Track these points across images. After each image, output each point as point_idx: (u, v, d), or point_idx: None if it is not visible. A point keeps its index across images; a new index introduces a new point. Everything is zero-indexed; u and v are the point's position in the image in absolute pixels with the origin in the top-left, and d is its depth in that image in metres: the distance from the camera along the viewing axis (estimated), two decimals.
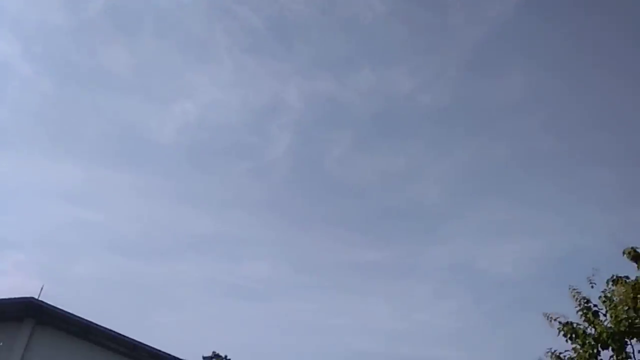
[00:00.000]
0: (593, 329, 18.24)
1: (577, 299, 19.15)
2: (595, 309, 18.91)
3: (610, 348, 17.94)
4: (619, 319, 17.52)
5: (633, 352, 17.87)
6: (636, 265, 19.85)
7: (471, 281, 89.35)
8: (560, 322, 19.23)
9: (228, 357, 38.82)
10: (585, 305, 18.99)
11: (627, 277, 19.59)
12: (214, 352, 38.46)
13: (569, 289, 19.51)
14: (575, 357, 18.48)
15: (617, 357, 18.06)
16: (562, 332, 19.21)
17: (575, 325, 18.99)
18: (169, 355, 15.44)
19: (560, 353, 19.04)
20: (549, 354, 19.32)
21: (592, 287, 19.30)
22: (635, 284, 18.72)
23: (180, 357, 15.66)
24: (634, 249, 20.22)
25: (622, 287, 18.58)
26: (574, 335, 18.78)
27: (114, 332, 15.47)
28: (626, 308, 17.81)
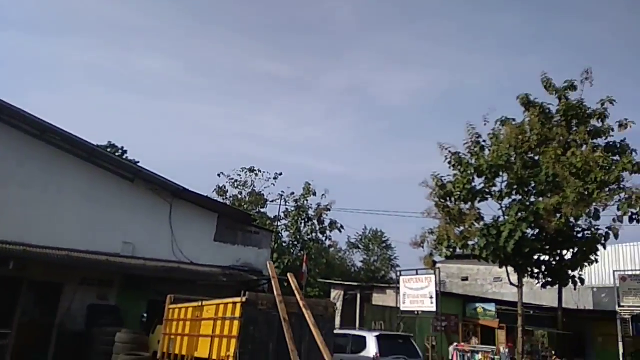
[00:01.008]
0: (475, 160, 20.58)
1: (470, 133, 21.16)
2: (483, 144, 21.19)
3: (484, 177, 20.68)
4: (500, 155, 19.89)
5: (501, 186, 20.96)
6: (525, 110, 22.25)
7: (363, 105, 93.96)
8: (450, 152, 21.44)
9: (125, 149, 37.07)
10: (476, 139, 21.12)
11: (514, 120, 22.03)
12: (109, 142, 36.24)
13: (466, 124, 21.38)
14: (454, 181, 21.04)
15: (486, 185, 21.05)
16: (448, 160, 21.61)
17: (461, 154, 21.29)
18: (82, 139, 14.07)
19: (442, 177, 21.60)
20: (433, 176, 21.80)
21: (485, 124, 21.38)
22: (520, 126, 21.15)
23: (89, 141, 14.39)
24: (526, 96, 22.46)
25: (509, 128, 20.83)
26: (458, 164, 21.17)
27: (24, 111, 13.35)
28: (508, 146, 20.17)
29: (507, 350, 18.09)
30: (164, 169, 37.92)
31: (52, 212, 13.95)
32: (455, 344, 18.86)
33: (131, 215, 15.21)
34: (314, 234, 36.34)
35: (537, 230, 20.22)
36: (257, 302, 8.91)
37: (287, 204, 36.70)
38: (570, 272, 21.37)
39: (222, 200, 32.89)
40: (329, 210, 35.75)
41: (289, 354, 8.86)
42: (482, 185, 21.16)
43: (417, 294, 12.44)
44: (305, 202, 36.34)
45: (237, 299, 9.06)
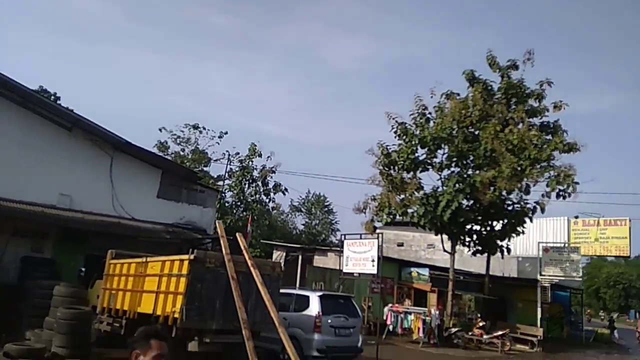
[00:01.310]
0: (420, 131, 21.19)
1: (417, 104, 21.68)
2: (428, 116, 21.79)
3: (427, 148, 21.39)
4: (444, 127, 20.60)
5: (442, 158, 21.77)
6: (469, 85, 22.98)
7: (310, 67, 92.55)
8: (397, 121, 21.92)
9: (58, 95, 34.65)
10: (422, 111, 21.68)
11: (459, 94, 22.75)
12: (41, 87, 33.67)
13: (414, 95, 21.87)
14: (398, 150, 21.63)
15: (428, 156, 21.81)
16: (394, 129, 22.11)
17: (407, 125, 21.84)
18: (16, 82, 12.95)
19: (387, 145, 22.11)
20: (379, 145, 22.27)
21: (432, 97, 21.96)
22: (463, 101, 21.90)
23: (24, 85, 13.32)
24: (472, 72, 23.16)
25: (453, 103, 21.52)
26: (403, 134, 21.72)
27: None
28: (451, 120, 20.90)
29: (437, 312, 19.29)
30: (100, 120, 36.13)
31: None
32: (390, 305, 19.87)
33: (69, 166, 14.48)
34: (257, 196, 36.35)
35: (472, 202, 21.38)
36: (204, 260, 8.90)
37: (232, 164, 36.26)
38: (498, 241, 22.86)
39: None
40: (274, 172, 35.76)
41: (235, 311, 8.99)
42: (424, 156, 21.95)
43: (359, 257, 12.87)
44: (250, 163, 36.08)
45: (185, 256, 9.01)
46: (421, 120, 21.69)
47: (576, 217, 30.76)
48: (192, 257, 8.77)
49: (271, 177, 36.21)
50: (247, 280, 9.19)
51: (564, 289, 28.62)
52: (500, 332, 19.82)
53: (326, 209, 48.54)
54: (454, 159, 21.82)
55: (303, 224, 48.01)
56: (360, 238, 13.17)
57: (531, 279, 24.02)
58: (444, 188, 21.35)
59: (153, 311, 9.26)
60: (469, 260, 25.65)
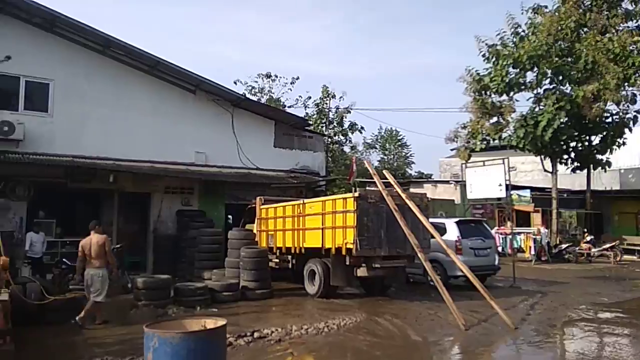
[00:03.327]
0: (515, 51, 20.71)
1: (509, 23, 21.14)
2: (522, 34, 21.23)
3: (520, 68, 20.98)
4: (540, 44, 20.04)
5: (535, 76, 21.31)
6: None
7: None
8: (487, 44, 21.54)
9: None
10: (515, 29, 21.13)
11: (546, 7, 21.90)
12: None
13: (507, 14, 21.25)
14: (491, 74, 21.37)
15: (518, 76, 21.39)
16: (483, 53, 21.77)
17: (497, 46, 21.42)
18: (144, 50, 14.05)
19: (477, 70, 21.91)
20: (468, 71, 22.10)
21: (522, 13, 21.31)
22: (552, 15, 21.00)
23: (151, 53, 14.37)
24: None
25: (547, 17, 20.76)
26: (494, 56, 21.36)
27: (84, 24, 13.27)
28: (546, 35, 20.24)
29: (546, 231, 19.72)
30: None
31: (125, 127, 14.43)
32: (495, 227, 20.46)
33: (197, 126, 15.73)
34: (336, 137, 37.13)
35: (568, 119, 20.99)
36: (367, 196, 9.85)
37: (307, 108, 36.97)
38: (598, 156, 22.54)
39: None
40: (349, 112, 36.21)
41: (396, 239, 10.02)
42: (515, 76, 21.54)
43: (485, 182, 13.44)
44: (325, 105, 36.64)
45: (348, 195, 9.98)
46: (515, 39, 21.21)
47: None
48: (357, 194, 9.71)
49: (346, 117, 36.74)
50: (402, 211, 10.08)
51: None
52: (609, 245, 20.08)
53: (399, 143, 48.78)
54: (549, 76, 21.39)
55: (378, 160, 48.73)
56: (484, 165, 13.66)
57: (636, 189, 23.68)
58: (542, 107, 21.12)
59: (322, 244, 10.43)
60: (560, 178, 25.54)
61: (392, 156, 48.22)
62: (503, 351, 7.14)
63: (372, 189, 10.31)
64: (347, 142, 38.66)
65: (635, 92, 20.27)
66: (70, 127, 13.55)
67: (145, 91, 15.10)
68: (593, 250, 20.14)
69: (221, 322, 3.97)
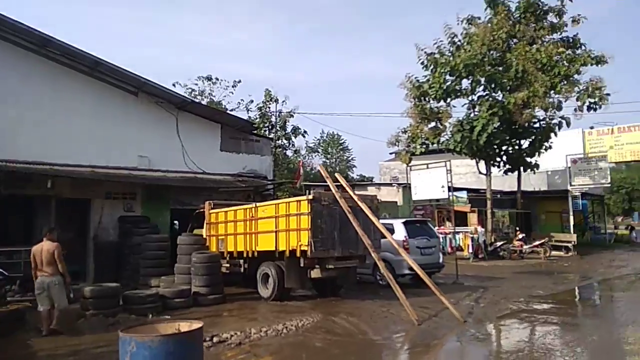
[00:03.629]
0: (451, 59, 21.71)
1: (446, 33, 22.15)
2: (458, 43, 22.30)
3: (456, 76, 22.02)
4: (475, 53, 21.16)
5: (469, 84, 22.44)
6: (488, 7, 23.26)
7: (287, 2, 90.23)
8: (426, 52, 22.43)
9: None
10: (452, 39, 22.17)
11: (479, 18, 23.14)
12: None
13: (444, 25, 22.24)
14: (430, 81, 22.26)
15: (455, 84, 22.43)
16: (422, 61, 22.65)
17: (435, 55, 22.36)
18: (82, 50, 13.33)
19: (416, 77, 22.77)
20: (407, 78, 22.92)
21: (458, 24, 22.40)
22: (485, 26, 22.24)
23: (90, 53, 13.70)
24: None
25: (482, 27, 21.95)
26: (432, 64, 22.29)
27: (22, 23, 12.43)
28: (481, 44, 21.40)
29: (483, 230, 20.80)
30: None
31: (64, 130, 13.72)
32: (436, 228, 21.32)
33: (140, 129, 15.23)
34: (279, 141, 37.13)
35: (503, 124, 22.27)
36: (320, 199, 10.00)
37: (250, 112, 36.75)
38: (528, 159, 24.06)
39: None
40: (292, 116, 36.38)
41: (348, 240, 10.25)
42: (452, 84, 22.58)
43: (428, 185, 14.01)
44: (268, 109, 36.57)
45: (302, 197, 10.10)
46: (451, 48, 22.25)
47: (591, 128, 31.99)
48: (310, 197, 9.84)
49: (289, 121, 36.87)
50: (354, 213, 10.32)
51: (581, 198, 30.36)
52: (539, 242, 21.49)
53: (341, 147, 49.52)
54: (482, 84, 22.60)
55: (319, 164, 49.11)
56: (427, 167, 14.23)
57: (561, 189, 25.47)
58: (476, 113, 22.26)
59: (275, 247, 10.46)
60: (494, 180, 27.06)
61: (334, 159, 48.89)
62: (455, 343, 7.51)
63: (325, 191, 10.45)
64: (290, 146, 38.83)
65: (561, 99, 21.80)
66: (3, 130, 12.71)
67: (85, 93, 14.46)
68: (525, 247, 21.46)
69: (197, 324, 3.94)
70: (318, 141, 48.62)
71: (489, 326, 8.25)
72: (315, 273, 10.22)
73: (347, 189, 10.80)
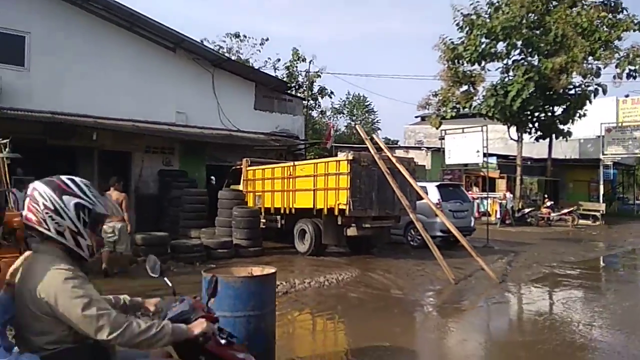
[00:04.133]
0: (489, 21, 21.18)
1: None
2: (496, 4, 21.69)
3: (492, 38, 21.52)
4: (514, 15, 20.56)
5: (504, 47, 21.91)
6: None
7: None
8: (462, 14, 21.89)
9: None
10: (490, 0, 21.55)
11: None
12: None
13: None
14: (465, 43, 21.81)
15: (489, 47, 21.92)
16: (457, 22, 22.13)
17: (472, 17, 21.81)
18: (122, 4, 13.45)
19: (451, 39, 22.32)
20: (441, 40, 22.48)
21: None
22: None
23: (129, 7, 13.81)
24: None
25: None
26: (468, 26, 21.78)
27: None
28: (519, 7, 20.77)
29: (511, 196, 20.80)
30: None
31: (106, 85, 14.04)
32: None
33: (178, 86, 15.46)
34: (305, 102, 37.04)
35: (535, 89, 21.83)
36: (360, 160, 10.17)
37: (277, 70, 36.56)
38: (561, 126, 23.66)
39: None
40: (320, 76, 36.12)
41: (384, 201, 10.48)
42: (486, 46, 22.08)
43: (463, 149, 14.03)
44: (295, 68, 36.35)
45: (341, 158, 10.27)
46: (489, 10, 21.66)
47: (626, 96, 31.08)
48: (350, 157, 10.02)
49: (316, 82, 36.65)
50: (392, 174, 10.50)
51: (611, 167, 29.92)
52: (568, 210, 21.45)
53: (366, 109, 49.16)
54: (519, 47, 22.08)
55: (345, 126, 49.02)
56: (462, 132, 14.21)
57: (593, 158, 25.11)
58: (510, 78, 21.85)
59: (313, 205, 10.75)
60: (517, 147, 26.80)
61: (359, 121, 48.64)
62: (494, 302, 7.76)
63: (364, 152, 10.61)
64: (317, 106, 38.76)
65: (600, 65, 21.22)
66: (49, 82, 13.08)
67: (125, 48, 14.68)
68: (552, 214, 21.45)
69: (270, 269, 4.25)
70: (343, 102, 48.45)
71: (525, 288, 8.48)
72: (351, 231, 10.51)
73: (386, 151, 10.93)
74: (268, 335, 4.01)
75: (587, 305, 7.30)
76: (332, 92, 37.29)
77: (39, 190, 1.98)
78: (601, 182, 23.86)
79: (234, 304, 3.76)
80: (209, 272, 4.03)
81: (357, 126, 12.29)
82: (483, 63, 22.37)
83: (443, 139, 31.16)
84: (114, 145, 13.95)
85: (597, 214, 22.60)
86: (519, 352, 5.22)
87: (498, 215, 20.14)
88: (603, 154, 23.19)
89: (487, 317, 7.00)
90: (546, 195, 23.57)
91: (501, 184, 23.27)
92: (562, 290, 8.49)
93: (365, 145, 11.01)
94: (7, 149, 6.70)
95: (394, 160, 10.68)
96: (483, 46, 21.73)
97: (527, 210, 21.39)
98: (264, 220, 12.38)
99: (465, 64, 22.64)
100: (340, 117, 48.81)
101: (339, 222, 10.35)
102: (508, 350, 5.34)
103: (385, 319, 6.37)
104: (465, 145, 13.99)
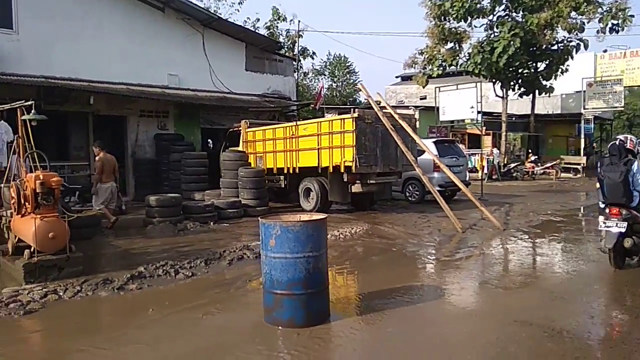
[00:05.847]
0: None
1: None
2: None
3: None
4: None
5: (489, 2, 21.92)
6: None
7: None
8: None
9: None
10: None
11: None
12: None
13: None
14: (446, 0, 21.73)
15: (476, 4, 21.91)
16: None
17: None
18: None
19: None
20: None
21: None
22: None
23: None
24: None
25: None
26: None
27: None
28: None
29: (497, 152, 21.34)
30: None
31: (96, 47, 13.63)
32: None
33: (168, 47, 15.13)
34: (295, 62, 36.52)
35: (520, 45, 22.08)
36: (364, 117, 10.34)
37: (258, 30, 35.84)
38: (544, 82, 24.09)
39: None
40: (301, 36, 35.59)
41: (388, 157, 10.74)
42: (472, 2, 22.08)
43: (457, 105, 14.29)
44: (276, 28, 35.70)
45: (346, 116, 10.41)
46: None
47: (604, 51, 31.62)
48: (355, 115, 10.17)
49: (297, 42, 36.13)
50: (395, 131, 10.72)
51: (591, 122, 30.79)
52: (551, 164, 22.17)
53: (347, 70, 48.81)
54: (504, 3, 22.19)
55: (326, 88, 48.66)
56: (457, 88, 14.44)
57: (574, 113, 25.75)
58: (495, 34, 22.02)
59: (318, 164, 10.94)
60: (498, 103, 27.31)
61: (340, 83, 48.42)
62: (504, 243, 8.16)
63: (368, 109, 10.76)
64: (299, 67, 38.29)
65: (584, 20, 21.49)
66: (39, 46, 12.68)
67: (113, 8, 14.23)
68: (537, 169, 22.17)
69: (320, 215, 4.48)
70: (324, 63, 47.96)
71: (528, 233, 8.95)
72: (356, 188, 10.77)
73: (388, 108, 11.12)
74: (324, 274, 4.32)
75: (593, 243, 7.78)
76: (314, 53, 36.83)
77: None
78: (582, 136, 24.59)
79: (294, 245, 4.04)
80: (269, 218, 4.27)
81: (360, 84, 12.41)
82: (469, 19, 22.48)
83: (424, 98, 31.41)
84: (108, 110, 13.74)
85: (579, 167, 23.43)
86: (552, 279, 5.62)
87: (485, 171, 20.70)
88: (584, 109, 23.80)
89: (504, 256, 7.39)
90: (530, 150, 24.24)
91: (487, 140, 23.75)
92: (564, 233, 9.01)
93: (344, 107, 11.16)
94: (33, 111, 6.53)
95: (396, 117, 10.89)
96: (469, 3, 21.80)
97: (512, 165, 22.04)
98: (268, 181, 12.55)
99: (452, 21, 22.72)
100: (322, 79, 48.41)
101: (345, 179, 10.60)
102: (540, 283, 5.73)
103: (407, 266, 6.72)
104: (460, 102, 14.25)
